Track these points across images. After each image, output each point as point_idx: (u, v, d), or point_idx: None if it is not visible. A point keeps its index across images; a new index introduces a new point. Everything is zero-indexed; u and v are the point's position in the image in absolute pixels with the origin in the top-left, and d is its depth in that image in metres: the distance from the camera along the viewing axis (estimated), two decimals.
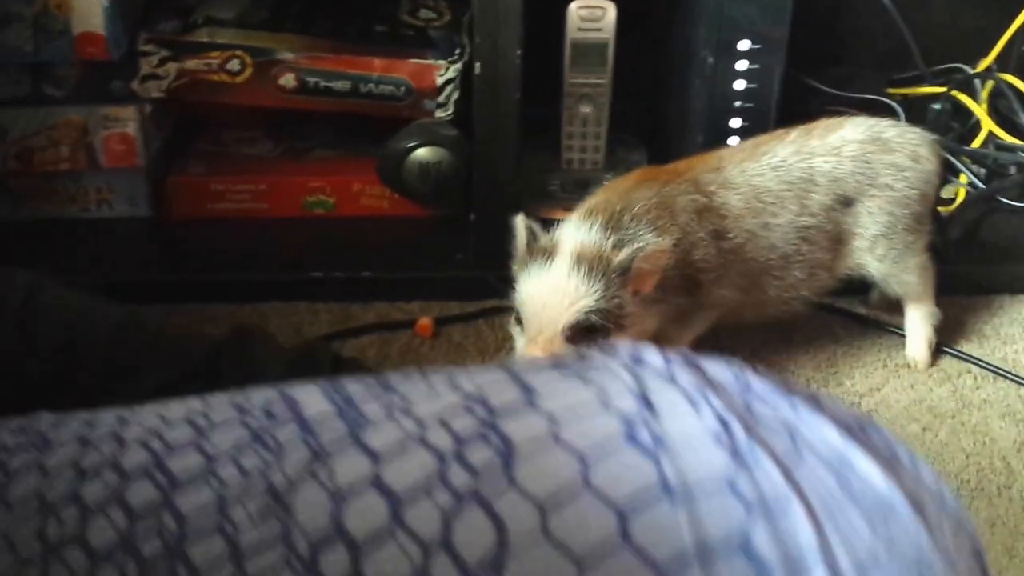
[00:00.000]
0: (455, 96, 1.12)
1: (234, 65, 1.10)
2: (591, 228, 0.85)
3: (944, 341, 1.03)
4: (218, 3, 1.16)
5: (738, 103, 1.05)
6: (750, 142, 0.97)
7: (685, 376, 0.40)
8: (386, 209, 1.16)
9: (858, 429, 0.40)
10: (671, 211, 0.89)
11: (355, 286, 1.07)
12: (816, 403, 0.40)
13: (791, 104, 1.09)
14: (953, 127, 1.25)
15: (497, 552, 0.35)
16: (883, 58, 1.30)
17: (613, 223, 0.86)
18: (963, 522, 0.41)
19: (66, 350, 0.66)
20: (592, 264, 0.83)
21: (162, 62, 1.09)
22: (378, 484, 0.38)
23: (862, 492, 0.37)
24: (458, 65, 1.11)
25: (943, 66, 1.31)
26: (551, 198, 1.14)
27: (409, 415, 0.40)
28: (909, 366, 1.02)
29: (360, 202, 1.16)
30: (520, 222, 0.87)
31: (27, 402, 0.59)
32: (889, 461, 0.39)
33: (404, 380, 0.44)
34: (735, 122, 1.06)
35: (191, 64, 1.09)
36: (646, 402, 0.38)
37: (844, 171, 0.94)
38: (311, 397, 0.44)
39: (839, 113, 1.04)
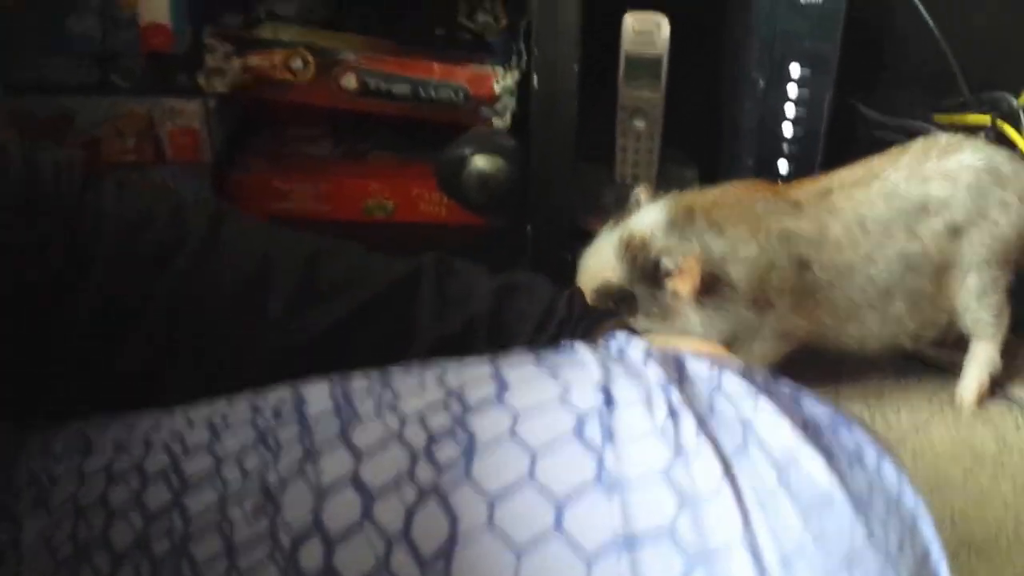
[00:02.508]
0: (512, 105, 1.14)
1: (297, 63, 1.11)
2: (661, 215, 0.91)
3: (992, 381, 1.05)
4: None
5: (788, 127, 1.08)
6: (862, 165, 0.98)
7: (654, 371, 0.43)
8: (444, 216, 1.18)
9: (826, 427, 0.42)
10: (753, 228, 0.91)
11: None
12: (783, 402, 0.42)
13: (839, 129, 1.11)
14: None
15: (448, 543, 0.39)
16: (930, 84, 1.32)
17: (685, 218, 0.91)
18: (917, 527, 0.42)
19: (254, 282, 0.61)
20: (633, 247, 0.90)
21: (226, 57, 1.11)
22: (356, 481, 0.41)
23: (800, 487, 0.39)
24: (515, 73, 1.13)
25: (990, 93, 1.32)
26: (604, 211, 1.16)
27: (395, 411, 0.44)
28: (954, 405, 1.04)
29: (419, 208, 1.19)
30: (639, 190, 0.96)
31: (211, 335, 0.60)
32: (845, 460, 0.41)
33: (403, 374, 0.48)
34: (784, 145, 1.08)
35: (255, 60, 1.11)
36: (607, 397, 0.42)
37: (958, 198, 0.95)
38: (318, 394, 0.47)
39: (885, 139, 1.06)
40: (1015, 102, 1.30)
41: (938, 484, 0.95)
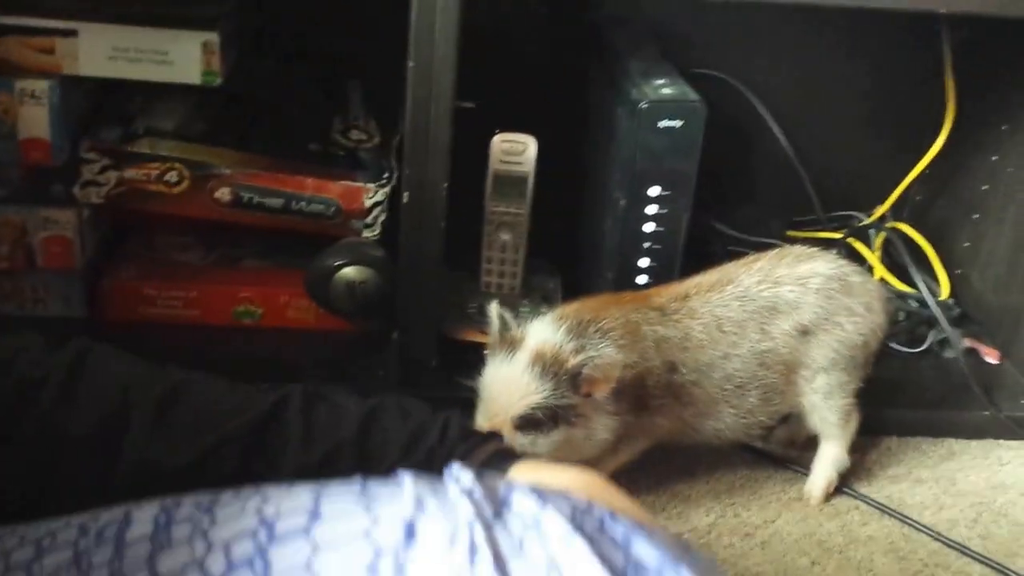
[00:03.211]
0: (382, 217, 1.17)
1: (172, 176, 1.14)
2: (557, 330, 0.93)
3: (840, 478, 1.09)
4: (158, 113, 1.20)
5: (647, 244, 1.12)
6: (718, 271, 1.03)
7: (466, 508, 0.44)
8: (312, 322, 1.21)
9: (652, 570, 0.42)
10: (634, 336, 0.95)
11: None
12: (604, 544, 0.43)
13: (696, 244, 1.16)
14: None
15: None
16: (784, 202, 1.39)
17: (578, 330, 0.93)
18: None
19: (110, 421, 0.63)
20: (548, 364, 0.90)
21: (103, 170, 1.13)
22: None
23: None
24: (386, 189, 1.17)
25: (840, 212, 1.40)
26: (470, 320, 1.19)
27: (206, 538, 0.46)
28: (802, 500, 1.07)
29: (287, 314, 1.21)
30: (494, 309, 0.95)
31: (72, 467, 0.62)
32: None
33: (230, 501, 0.49)
34: (643, 261, 1.13)
35: (131, 173, 1.14)
36: (409, 532, 0.43)
37: (807, 301, 1.00)
38: (144, 517, 0.48)
39: (740, 254, 1.11)
40: (865, 220, 1.38)
41: (786, 574, 0.97)
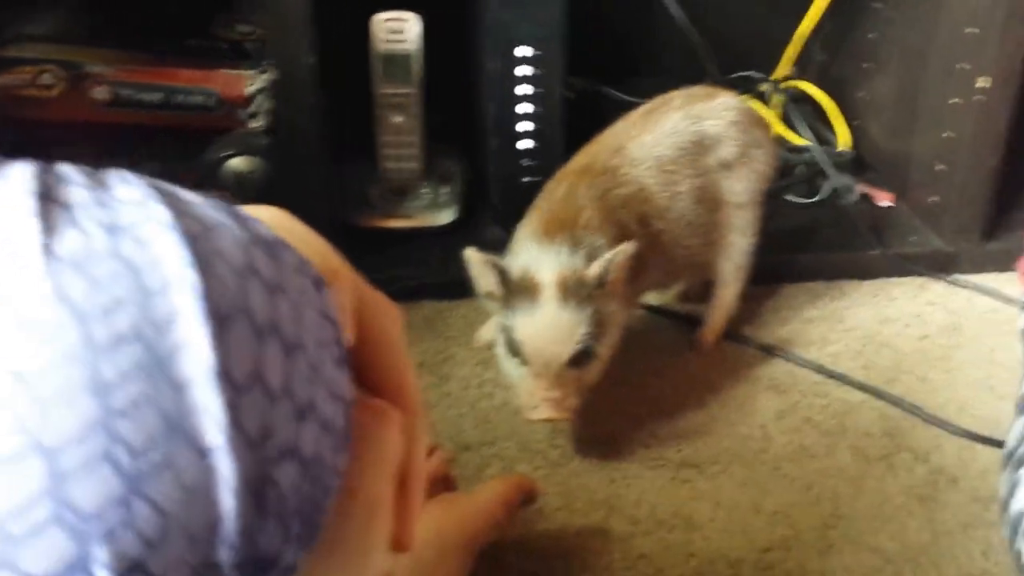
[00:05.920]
0: (267, 106, 1.16)
1: (46, 79, 1.13)
2: (561, 252, 0.87)
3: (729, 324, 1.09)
4: (34, 20, 1.19)
5: (524, 108, 1.12)
6: (638, 113, 1.01)
7: None
8: None
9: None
10: (610, 211, 0.92)
11: None
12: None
13: (588, 112, 1.15)
14: None
15: None
16: (683, 67, 1.38)
17: (572, 240, 0.87)
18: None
19: None
20: (577, 291, 0.85)
21: None
22: None
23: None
24: (267, 75, 1.15)
25: (740, 74, 1.40)
26: (370, 206, 1.19)
27: None
28: (692, 348, 1.08)
29: None
30: (476, 258, 0.86)
31: None
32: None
33: None
34: (525, 125, 1.12)
35: (3, 80, 1.12)
36: None
37: (728, 135, 1.00)
38: None
39: None
40: (765, 80, 1.38)
41: (672, 415, 0.99)
